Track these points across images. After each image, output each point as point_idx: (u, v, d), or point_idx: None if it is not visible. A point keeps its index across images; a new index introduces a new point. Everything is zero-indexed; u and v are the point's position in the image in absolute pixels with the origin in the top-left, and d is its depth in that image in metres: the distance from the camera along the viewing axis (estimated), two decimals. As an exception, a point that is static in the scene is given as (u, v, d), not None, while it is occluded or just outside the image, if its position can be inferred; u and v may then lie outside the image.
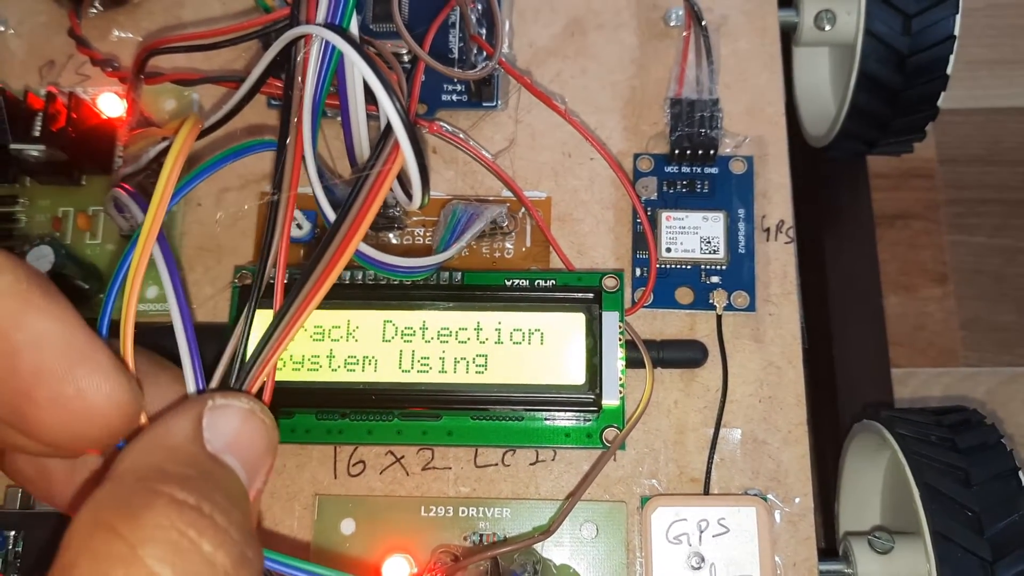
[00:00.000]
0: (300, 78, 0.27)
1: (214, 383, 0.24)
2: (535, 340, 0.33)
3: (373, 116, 0.31)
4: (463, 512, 0.35)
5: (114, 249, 0.38)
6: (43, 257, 0.35)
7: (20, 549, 0.33)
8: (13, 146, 0.36)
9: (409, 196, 0.29)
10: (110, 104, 0.39)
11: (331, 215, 0.28)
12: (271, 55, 0.28)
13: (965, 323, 0.57)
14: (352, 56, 0.26)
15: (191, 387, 0.24)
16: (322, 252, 0.26)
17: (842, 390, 0.50)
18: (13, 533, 0.33)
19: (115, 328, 0.23)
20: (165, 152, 0.32)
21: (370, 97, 0.30)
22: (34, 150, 0.36)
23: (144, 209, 0.24)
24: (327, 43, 0.27)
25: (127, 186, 0.29)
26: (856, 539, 0.37)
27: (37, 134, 0.36)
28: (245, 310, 0.25)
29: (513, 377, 0.33)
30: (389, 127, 0.27)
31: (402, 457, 0.36)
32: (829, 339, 0.51)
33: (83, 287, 0.37)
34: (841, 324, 0.51)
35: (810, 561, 0.35)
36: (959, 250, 0.59)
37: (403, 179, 0.29)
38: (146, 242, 0.23)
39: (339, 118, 0.31)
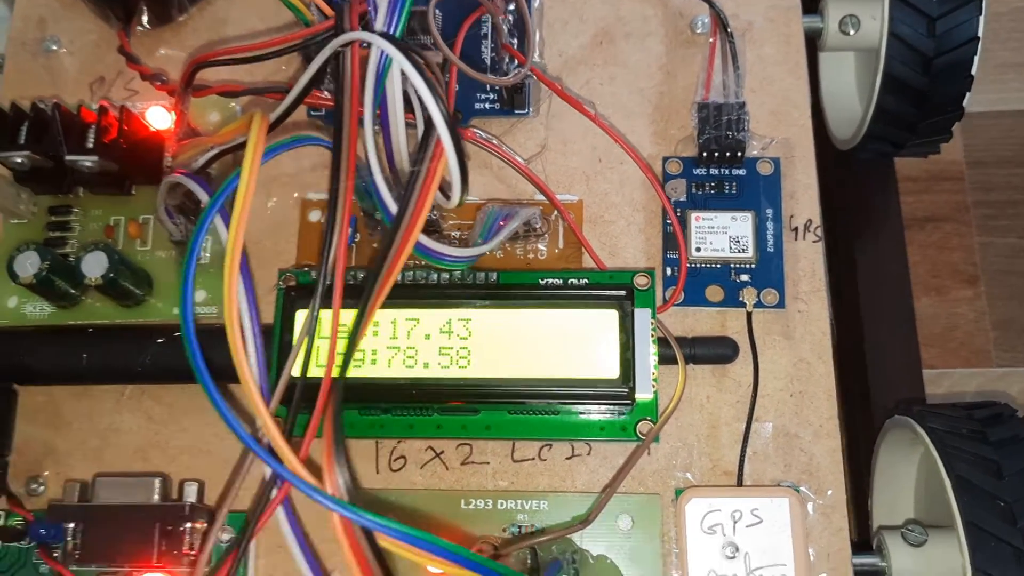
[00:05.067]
0: (350, 82, 0.29)
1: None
2: (570, 336, 0.34)
3: (410, 124, 0.33)
4: (502, 505, 0.36)
5: (164, 255, 0.40)
6: (99, 262, 0.36)
7: (78, 541, 0.34)
8: (68, 157, 0.37)
9: (447, 196, 0.30)
10: (158, 117, 0.41)
11: (393, 207, 0.29)
12: (322, 58, 0.30)
13: (997, 323, 0.58)
14: (402, 61, 0.27)
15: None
16: (388, 245, 0.27)
17: (875, 390, 0.50)
18: (72, 525, 0.34)
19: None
20: (215, 159, 0.34)
21: (407, 105, 0.32)
22: (88, 161, 0.38)
23: (206, 189, 0.25)
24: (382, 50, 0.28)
25: (182, 171, 0.30)
26: (889, 532, 0.38)
27: (90, 145, 0.38)
28: (310, 310, 0.27)
29: (549, 372, 0.34)
30: (431, 128, 0.28)
31: (442, 452, 0.37)
32: (861, 340, 0.52)
33: (135, 291, 0.38)
34: (873, 325, 0.52)
35: (843, 552, 0.35)
36: (989, 251, 0.59)
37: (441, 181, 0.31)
38: (238, 228, 0.25)
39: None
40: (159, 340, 0.36)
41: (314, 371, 0.31)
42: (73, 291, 0.38)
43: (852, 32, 0.45)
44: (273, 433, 0.27)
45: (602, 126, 0.39)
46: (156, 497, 0.36)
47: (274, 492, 0.29)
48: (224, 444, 0.38)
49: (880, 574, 0.37)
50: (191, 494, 0.36)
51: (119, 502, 0.35)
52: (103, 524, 0.35)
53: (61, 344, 0.37)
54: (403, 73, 0.28)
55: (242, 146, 0.34)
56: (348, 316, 0.32)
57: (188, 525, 0.35)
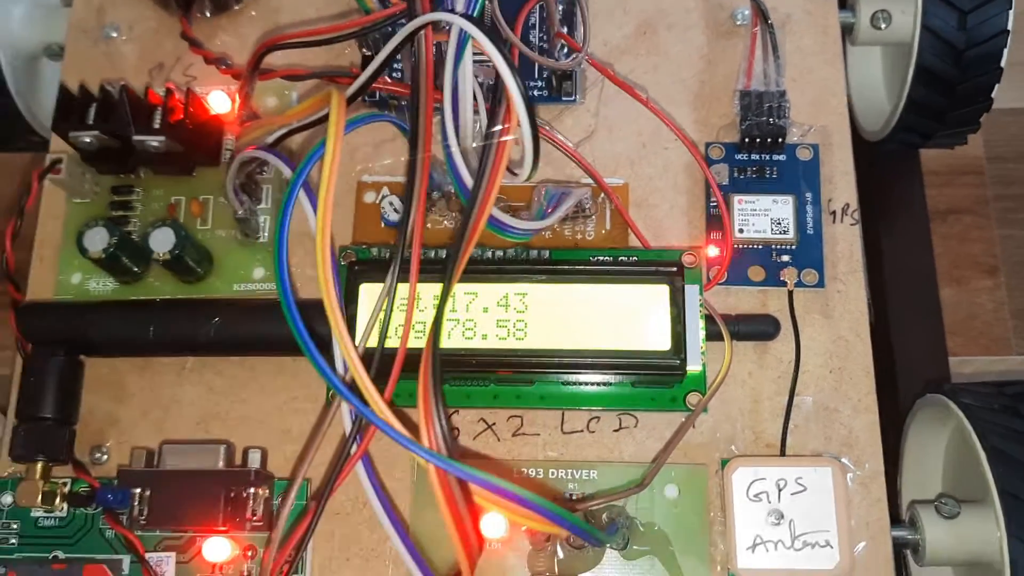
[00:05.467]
0: (425, 62, 0.30)
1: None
2: (622, 310, 0.36)
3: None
4: (553, 474, 0.37)
5: (223, 234, 0.41)
6: (166, 238, 0.38)
7: (144, 506, 0.36)
8: (136, 137, 0.39)
9: (513, 173, 0.32)
10: (219, 101, 0.42)
11: (469, 181, 0.31)
12: (400, 37, 0.31)
13: (1016, 313, 0.59)
14: (483, 40, 0.28)
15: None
16: (468, 215, 0.29)
17: (901, 375, 0.52)
18: (138, 490, 0.36)
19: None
20: (284, 137, 0.36)
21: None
22: (155, 141, 0.39)
23: (287, 163, 0.27)
24: (461, 30, 0.30)
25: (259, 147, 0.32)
26: (923, 506, 0.39)
27: (157, 126, 0.39)
28: (387, 281, 0.28)
29: (603, 343, 0.35)
30: (500, 105, 0.29)
31: (493, 424, 0.38)
32: (887, 328, 0.53)
33: (196, 268, 0.40)
34: (899, 314, 0.53)
35: (882, 521, 0.37)
36: (1009, 243, 0.61)
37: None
38: (327, 198, 0.27)
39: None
40: (226, 311, 0.38)
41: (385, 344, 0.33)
42: (136, 268, 0.40)
43: (883, 26, 0.47)
44: (364, 379, 0.28)
45: (653, 110, 0.41)
46: (221, 463, 0.37)
47: (354, 448, 0.30)
48: (281, 415, 0.39)
49: (914, 546, 0.39)
50: (255, 461, 0.37)
51: (186, 467, 0.37)
52: (171, 489, 0.36)
53: (130, 316, 0.38)
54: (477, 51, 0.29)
55: (310, 125, 0.36)
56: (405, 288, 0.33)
57: (252, 490, 0.36)
